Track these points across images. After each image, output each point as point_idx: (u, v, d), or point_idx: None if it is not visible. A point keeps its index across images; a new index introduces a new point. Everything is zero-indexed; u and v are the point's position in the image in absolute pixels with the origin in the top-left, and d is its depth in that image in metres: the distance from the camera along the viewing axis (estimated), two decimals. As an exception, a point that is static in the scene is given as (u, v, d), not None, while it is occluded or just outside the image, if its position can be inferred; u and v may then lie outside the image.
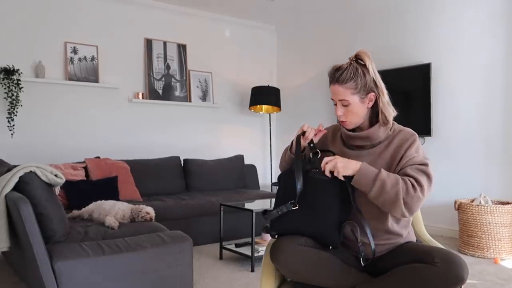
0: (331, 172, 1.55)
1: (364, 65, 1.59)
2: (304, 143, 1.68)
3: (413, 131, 1.65)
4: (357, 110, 1.60)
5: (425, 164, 1.55)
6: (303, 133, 1.68)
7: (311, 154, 1.65)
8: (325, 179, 1.57)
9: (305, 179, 1.60)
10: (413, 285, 1.41)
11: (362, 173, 1.51)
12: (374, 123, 1.64)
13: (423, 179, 1.50)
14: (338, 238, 1.57)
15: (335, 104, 1.64)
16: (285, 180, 1.69)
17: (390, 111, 1.62)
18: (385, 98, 1.61)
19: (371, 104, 1.61)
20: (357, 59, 1.62)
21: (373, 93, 1.60)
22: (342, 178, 1.53)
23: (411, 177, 1.51)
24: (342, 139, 1.71)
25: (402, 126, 1.67)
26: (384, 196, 1.48)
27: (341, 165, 1.52)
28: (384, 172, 1.50)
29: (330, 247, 1.59)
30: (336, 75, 1.59)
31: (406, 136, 1.61)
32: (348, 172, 1.52)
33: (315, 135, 1.68)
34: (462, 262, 1.40)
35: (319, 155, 1.63)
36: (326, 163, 1.54)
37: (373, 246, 1.51)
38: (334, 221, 1.56)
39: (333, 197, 1.57)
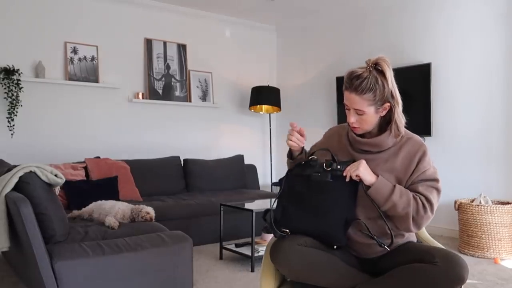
0: (340, 174, 1.57)
1: (384, 75, 1.53)
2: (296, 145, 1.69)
3: (421, 140, 1.65)
4: (370, 119, 1.58)
5: (437, 180, 1.58)
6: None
7: (310, 158, 1.65)
8: (329, 180, 1.58)
9: (308, 182, 1.61)
10: (413, 285, 1.42)
11: (376, 189, 1.53)
12: (383, 129, 1.63)
13: (433, 198, 1.55)
14: (343, 237, 1.58)
15: (348, 109, 1.60)
16: (288, 185, 1.69)
17: (403, 121, 1.61)
18: (399, 108, 1.59)
19: (384, 113, 1.59)
20: (376, 67, 1.54)
21: (388, 104, 1.57)
22: (357, 179, 1.56)
23: (423, 196, 1.54)
24: (349, 141, 1.70)
25: (410, 133, 1.66)
26: (393, 213, 1.54)
27: (365, 170, 1.55)
28: (397, 192, 1.52)
29: (335, 247, 1.59)
30: (355, 83, 1.52)
31: (416, 146, 1.60)
32: (368, 178, 1.55)
33: (301, 135, 1.69)
34: (462, 261, 1.40)
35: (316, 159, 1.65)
36: (351, 169, 1.56)
37: (392, 238, 1.55)
38: (339, 221, 1.57)
39: (337, 197, 1.58)
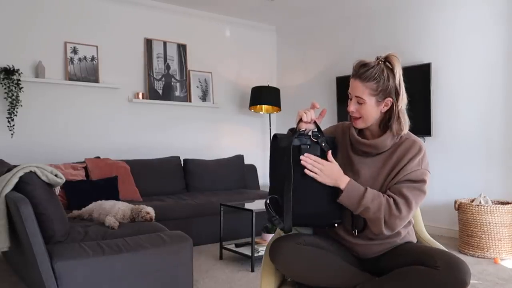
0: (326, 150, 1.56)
1: (392, 70, 1.53)
2: (308, 126, 1.62)
3: (420, 141, 1.60)
4: (370, 112, 1.55)
5: (422, 181, 1.53)
6: (300, 120, 1.63)
7: (311, 131, 1.60)
8: (319, 155, 1.56)
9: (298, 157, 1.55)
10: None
11: (346, 195, 1.52)
12: (383, 128, 1.60)
13: (413, 199, 1.50)
14: (339, 213, 1.57)
15: (350, 99, 1.58)
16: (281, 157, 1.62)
17: (406, 120, 1.57)
18: (402, 107, 1.55)
19: (385, 109, 1.56)
20: (386, 61, 1.54)
21: (390, 99, 1.54)
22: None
23: (402, 197, 1.50)
24: (350, 141, 1.67)
25: (412, 135, 1.62)
26: (365, 216, 1.52)
27: (324, 174, 1.52)
28: (368, 196, 1.50)
29: (336, 225, 1.59)
30: (360, 71, 1.53)
31: (410, 146, 1.56)
32: (327, 183, 1.53)
33: (320, 114, 1.65)
34: (464, 266, 1.38)
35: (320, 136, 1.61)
36: (313, 165, 1.52)
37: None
38: (333, 197, 1.55)
39: None
